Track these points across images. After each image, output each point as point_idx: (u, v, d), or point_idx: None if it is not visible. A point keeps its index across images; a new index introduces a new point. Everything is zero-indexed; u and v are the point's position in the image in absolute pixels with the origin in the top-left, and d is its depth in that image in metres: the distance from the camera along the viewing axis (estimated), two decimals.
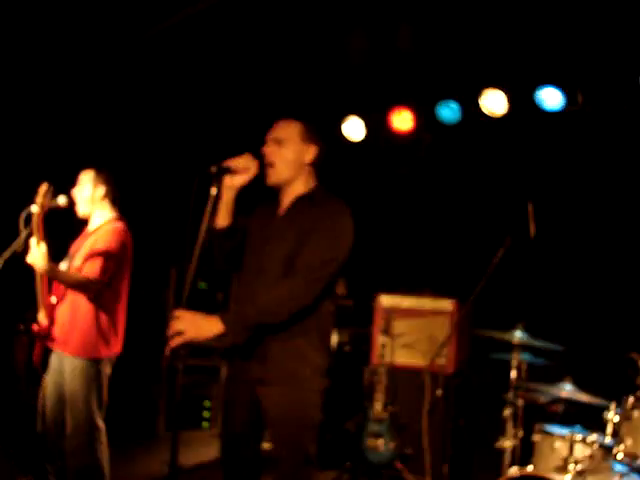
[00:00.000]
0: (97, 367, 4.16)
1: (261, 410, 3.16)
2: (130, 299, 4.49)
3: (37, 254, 3.94)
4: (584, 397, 4.08)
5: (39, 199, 4.01)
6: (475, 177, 6.18)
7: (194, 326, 2.94)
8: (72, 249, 4.40)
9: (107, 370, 4.25)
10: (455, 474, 5.61)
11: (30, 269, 4.17)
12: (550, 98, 5.49)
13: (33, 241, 3.98)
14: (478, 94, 5.78)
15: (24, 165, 6.19)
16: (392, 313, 5.62)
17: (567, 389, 4.15)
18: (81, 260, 4.21)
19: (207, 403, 6.78)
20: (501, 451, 4.42)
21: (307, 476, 3.14)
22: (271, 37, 5.64)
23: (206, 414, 6.77)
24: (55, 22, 5.48)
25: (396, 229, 6.60)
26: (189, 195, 3.04)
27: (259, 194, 3.33)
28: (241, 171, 3.14)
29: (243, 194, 3.25)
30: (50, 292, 4.26)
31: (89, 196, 4.32)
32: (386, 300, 5.90)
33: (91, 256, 4.16)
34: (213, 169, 3.08)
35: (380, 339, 5.56)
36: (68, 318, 4.19)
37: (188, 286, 2.87)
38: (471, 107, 5.88)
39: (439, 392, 5.06)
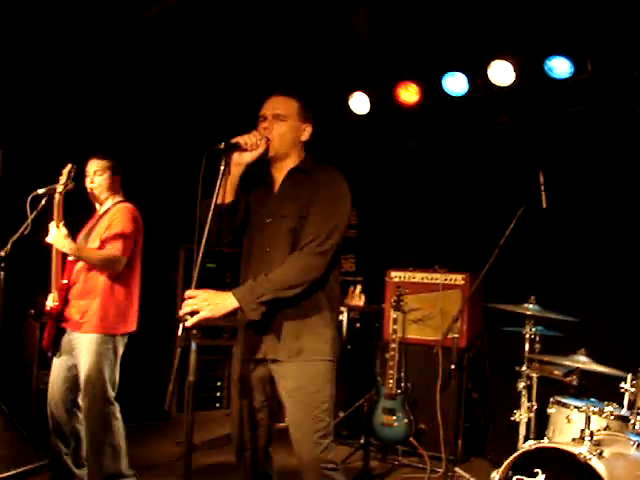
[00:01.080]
0: (112, 344, 4.23)
1: (275, 387, 3.19)
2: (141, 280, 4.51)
3: (59, 235, 4.01)
4: (599, 368, 4.03)
5: (63, 179, 4.08)
6: (484, 148, 6.11)
7: (209, 304, 2.95)
8: (83, 232, 4.45)
9: (120, 348, 4.30)
10: (469, 448, 5.61)
11: (41, 252, 4.19)
12: (558, 66, 5.41)
13: (53, 223, 4.04)
14: (485, 65, 5.70)
15: (30, 148, 6.18)
16: (403, 288, 5.58)
17: (582, 361, 4.11)
18: (98, 240, 4.28)
19: (219, 383, 6.79)
20: (516, 424, 4.41)
21: (325, 448, 3.14)
22: (275, 12, 5.56)
23: (218, 394, 6.78)
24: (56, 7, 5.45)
25: (405, 204, 6.55)
26: (197, 173, 3.02)
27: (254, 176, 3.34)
28: (249, 148, 3.14)
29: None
30: (63, 274, 4.28)
31: (103, 183, 4.41)
32: (397, 275, 5.88)
33: (111, 236, 4.24)
34: (221, 146, 3.06)
35: (391, 315, 5.54)
36: (84, 298, 4.25)
37: (199, 265, 2.84)
38: (478, 78, 5.79)
39: (452, 367, 5.03)
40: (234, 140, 3.11)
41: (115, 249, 4.20)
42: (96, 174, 4.39)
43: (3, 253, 4.19)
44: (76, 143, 6.34)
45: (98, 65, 6.13)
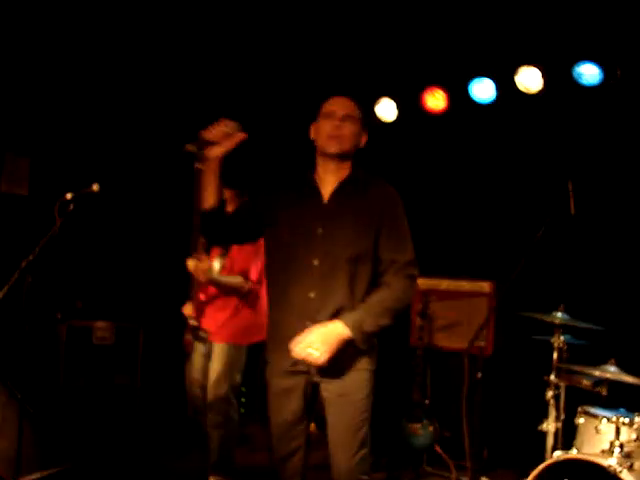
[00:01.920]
0: (240, 352, 4.75)
1: (317, 398, 3.18)
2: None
3: (200, 268, 4.39)
4: (629, 379, 3.97)
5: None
6: (512, 156, 6.06)
7: (324, 343, 2.95)
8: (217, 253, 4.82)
9: (244, 357, 4.80)
10: (495, 458, 5.56)
11: (68, 257, 4.24)
12: (588, 73, 5.36)
13: (196, 256, 4.41)
14: (513, 72, 5.67)
15: (58, 156, 6.23)
16: (430, 295, 5.56)
17: (611, 371, 4.05)
18: (231, 262, 4.75)
19: (243, 389, 6.78)
20: (543, 434, 4.35)
21: (362, 458, 3.13)
22: (301, 18, 5.57)
23: (243, 399, 6.78)
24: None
25: (432, 210, 6.52)
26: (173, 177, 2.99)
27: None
28: (220, 139, 3.05)
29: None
30: (199, 291, 4.71)
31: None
32: (423, 282, 5.85)
33: (242, 259, 4.70)
34: (190, 147, 3.02)
35: (418, 322, 5.51)
36: (218, 312, 4.74)
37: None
38: (506, 85, 5.75)
39: (478, 375, 4.99)
40: (202, 137, 3.03)
41: (243, 277, 4.68)
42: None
43: (31, 257, 4.22)
44: (102, 151, 6.42)
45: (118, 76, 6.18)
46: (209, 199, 3.11)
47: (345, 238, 3.08)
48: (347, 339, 2.97)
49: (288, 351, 3.04)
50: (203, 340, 4.56)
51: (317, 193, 3.19)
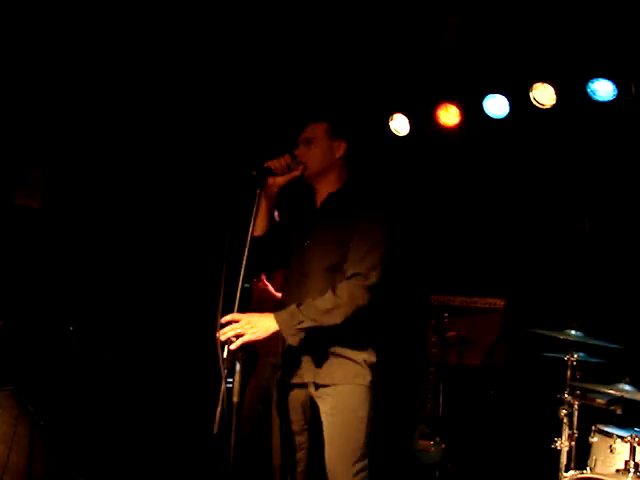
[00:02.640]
0: None
1: (315, 410, 3.21)
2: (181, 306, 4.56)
3: None
4: None
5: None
6: (525, 172, 6.04)
7: (252, 327, 2.98)
8: None
9: None
10: (508, 476, 5.51)
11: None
12: (601, 89, 5.34)
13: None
14: (527, 87, 5.66)
15: (71, 168, 6.25)
16: (443, 312, 5.55)
17: (626, 389, 4.01)
18: None
19: None
20: (557, 453, 4.31)
21: (360, 470, 3.14)
22: (316, 34, 5.59)
23: None
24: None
25: (445, 227, 6.50)
26: (230, 200, 3.09)
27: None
28: (280, 171, 3.21)
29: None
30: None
31: None
32: (437, 299, 5.84)
33: None
34: (254, 172, 3.15)
35: (431, 338, 5.49)
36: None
37: (239, 294, 2.94)
38: (520, 101, 5.75)
39: (491, 392, 4.96)
40: (266, 164, 3.18)
41: None
42: None
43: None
44: (117, 163, 6.43)
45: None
46: (261, 226, 3.29)
47: (323, 252, 3.20)
48: (275, 331, 3.02)
49: (285, 363, 3.22)
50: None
51: (312, 208, 3.38)
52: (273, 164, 3.20)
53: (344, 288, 3.08)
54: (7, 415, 4.85)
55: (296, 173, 3.27)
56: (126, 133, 6.40)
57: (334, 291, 3.07)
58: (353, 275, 3.10)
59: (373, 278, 3.11)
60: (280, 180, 3.26)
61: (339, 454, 3.15)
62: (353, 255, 3.13)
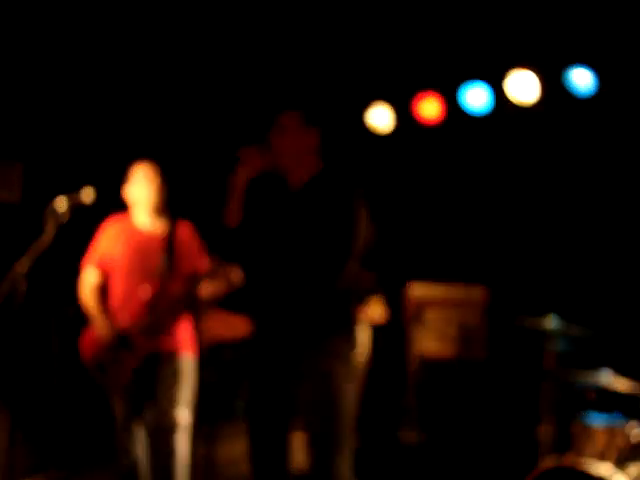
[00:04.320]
0: None
1: (295, 402, 3.20)
2: None
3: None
4: (623, 385, 3.98)
5: None
6: (507, 161, 6.06)
7: (226, 325, 3.02)
8: None
9: None
10: (490, 462, 5.54)
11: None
12: (581, 80, 5.36)
13: None
14: (504, 78, 5.67)
15: (50, 161, 6.20)
16: (423, 302, 5.56)
17: (605, 376, 4.05)
18: None
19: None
20: (537, 440, 4.35)
21: (343, 460, 3.14)
22: (292, 22, 5.58)
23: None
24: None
25: (425, 217, 6.52)
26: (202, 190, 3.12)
27: None
28: (253, 160, 3.24)
29: None
30: None
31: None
32: (417, 289, 5.85)
33: None
34: (226, 160, 3.26)
35: (411, 328, 5.50)
36: None
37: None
38: (500, 92, 5.76)
39: (471, 380, 4.99)
40: (237, 153, 3.23)
41: None
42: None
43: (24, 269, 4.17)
44: (96, 155, 6.37)
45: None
46: (234, 215, 3.28)
47: (297, 238, 3.22)
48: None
49: (267, 354, 3.25)
50: None
51: (285, 196, 3.37)
52: (244, 153, 3.23)
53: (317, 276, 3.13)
54: None
55: (267, 162, 3.28)
56: (107, 124, 6.36)
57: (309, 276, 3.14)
58: (323, 265, 3.13)
59: (345, 269, 3.15)
60: (251, 169, 3.26)
61: (322, 446, 3.15)
62: (326, 244, 3.14)
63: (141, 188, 4.16)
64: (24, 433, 4.91)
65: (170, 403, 4.01)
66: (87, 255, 4.22)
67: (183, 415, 4.06)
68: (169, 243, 4.13)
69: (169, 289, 4.05)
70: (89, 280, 4.20)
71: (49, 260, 4.17)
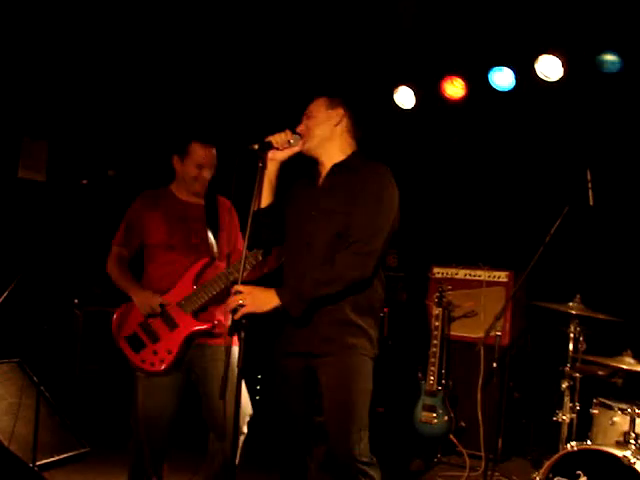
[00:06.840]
0: None
1: (315, 380, 3.20)
2: None
3: None
4: None
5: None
6: (531, 144, 6.01)
7: (253, 299, 3.07)
8: None
9: None
10: (510, 448, 5.54)
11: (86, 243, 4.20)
12: (608, 61, 5.30)
13: None
14: (533, 59, 5.62)
15: (75, 139, 6.23)
16: (446, 284, 5.54)
17: (627, 361, 4.02)
18: None
19: (259, 376, 6.79)
20: (558, 425, 4.33)
21: (360, 441, 3.14)
22: (320, 6, 5.54)
23: (258, 387, 6.79)
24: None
25: (449, 199, 6.49)
26: (231, 174, 3.12)
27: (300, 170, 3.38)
28: (281, 146, 3.26)
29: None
30: None
31: None
32: (440, 271, 5.84)
33: None
34: (255, 146, 3.21)
35: (434, 311, 5.49)
36: None
37: (243, 263, 3.07)
38: (525, 73, 5.71)
39: (494, 365, 4.97)
40: (267, 139, 3.24)
41: None
42: None
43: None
44: (121, 134, 6.40)
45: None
46: (267, 198, 3.33)
47: (328, 220, 3.20)
48: (276, 305, 3.10)
49: (286, 334, 3.25)
50: None
51: (315, 180, 3.37)
52: (274, 138, 3.25)
53: (342, 258, 3.09)
54: (13, 387, 4.90)
55: (296, 148, 3.30)
56: (128, 104, 6.38)
57: (334, 261, 3.09)
58: (354, 241, 3.10)
59: (375, 244, 3.11)
60: (281, 155, 3.29)
61: (339, 427, 3.14)
62: (356, 220, 3.13)
63: (200, 165, 4.06)
64: (50, 411, 5.00)
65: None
66: (118, 232, 4.14)
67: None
68: (212, 215, 4.09)
69: (214, 262, 3.97)
70: (120, 254, 4.11)
71: (74, 238, 4.21)
